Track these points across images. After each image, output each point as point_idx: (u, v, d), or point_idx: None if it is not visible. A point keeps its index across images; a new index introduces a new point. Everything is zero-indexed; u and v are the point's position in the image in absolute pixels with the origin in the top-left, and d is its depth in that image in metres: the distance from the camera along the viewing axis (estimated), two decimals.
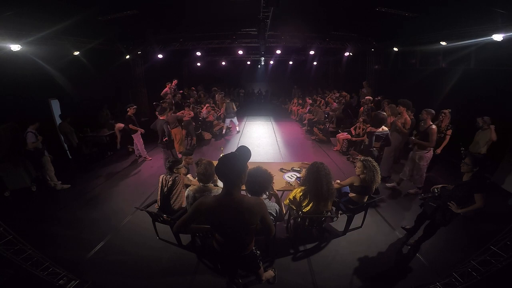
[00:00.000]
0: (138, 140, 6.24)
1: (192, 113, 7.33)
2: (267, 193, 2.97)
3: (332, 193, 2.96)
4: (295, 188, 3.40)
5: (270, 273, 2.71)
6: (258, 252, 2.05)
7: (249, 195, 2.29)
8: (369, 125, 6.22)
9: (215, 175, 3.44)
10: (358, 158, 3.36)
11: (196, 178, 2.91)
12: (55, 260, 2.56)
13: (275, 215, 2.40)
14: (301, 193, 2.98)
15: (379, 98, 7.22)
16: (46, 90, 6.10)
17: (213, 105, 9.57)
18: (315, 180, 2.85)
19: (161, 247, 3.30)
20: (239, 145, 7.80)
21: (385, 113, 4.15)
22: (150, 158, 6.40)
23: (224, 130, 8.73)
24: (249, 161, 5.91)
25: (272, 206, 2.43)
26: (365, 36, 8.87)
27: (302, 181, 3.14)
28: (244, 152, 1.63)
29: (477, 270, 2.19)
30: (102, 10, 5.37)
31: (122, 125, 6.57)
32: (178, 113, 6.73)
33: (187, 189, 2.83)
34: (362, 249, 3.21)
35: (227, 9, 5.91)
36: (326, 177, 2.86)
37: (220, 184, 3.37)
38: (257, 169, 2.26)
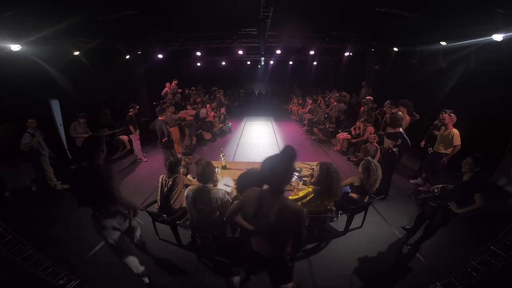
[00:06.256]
0: (135, 141, 6.24)
1: (193, 112, 7.33)
2: None
3: (340, 193, 2.99)
4: (295, 187, 3.40)
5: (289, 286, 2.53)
6: (291, 264, 2.01)
7: (240, 195, 2.28)
8: (370, 125, 6.23)
9: (215, 175, 3.42)
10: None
11: (196, 178, 2.92)
12: (55, 260, 2.56)
13: None
14: (313, 194, 2.94)
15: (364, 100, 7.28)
16: (46, 90, 6.09)
17: (214, 105, 9.54)
18: (331, 180, 2.85)
19: (161, 247, 3.30)
20: (239, 145, 7.74)
21: (400, 113, 4.22)
22: (145, 160, 6.36)
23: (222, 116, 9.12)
24: (249, 161, 5.95)
25: None
26: (365, 36, 8.86)
27: (316, 182, 3.02)
28: (288, 152, 1.61)
29: (477, 270, 2.19)
30: (102, 10, 5.37)
31: (126, 137, 6.59)
32: (180, 114, 6.73)
33: (187, 189, 2.84)
34: (362, 249, 3.21)
35: (227, 9, 5.91)
36: (337, 176, 2.89)
37: (221, 186, 3.37)
38: (251, 171, 2.27)
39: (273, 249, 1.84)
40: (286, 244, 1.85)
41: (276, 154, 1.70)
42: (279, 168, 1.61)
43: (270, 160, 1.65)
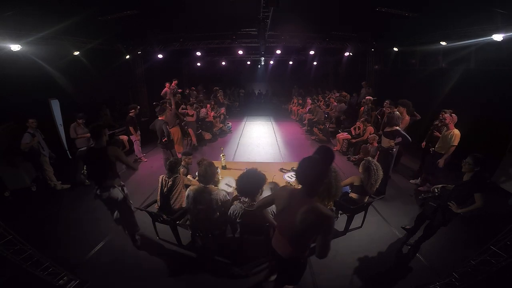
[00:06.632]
0: (135, 141, 6.23)
1: (194, 112, 7.33)
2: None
3: (340, 193, 2.98)
4: (294, 187, 3.40)
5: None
6: (304, 268, 1.96)
7: (239, 195, 2.25)
8: (369, 125, 6.23)
9: (217, 176, 3.42)
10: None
11: (196, 179, 2.92)
12: (55, 260, 2.56)
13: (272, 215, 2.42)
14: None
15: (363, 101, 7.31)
16: (46, 90, 6.08)
17: (214, 105, 9.54)
18: (330, 180, 2.84)
19: (161, 247, 3.31)
20: (239, 145, 7.71)
21: (397, 112, 4.28)
22: (145, 160, 6.36)
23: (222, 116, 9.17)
24: (249, 161, 5.93)
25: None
26: (365, 36, 8.86)
27: None
28: (325, 154, 1.56)
29: (477, 270, 2.19)
30: (102, 10, 5.37)
31: (126, 137, 6.57)
32: (172, 104, 6.64)
33: (188, 189, 2.84)
34: (362, 249, 3.21)
35: (227, 9, 5.91)
36: (336, 176, 2.88)
37: (223, 186, 3.37)
38: (251, 171, 2.26)
39: (291, 250, 1.80)
40: (306, 247, 1.82)
41: (313, 155, 1.68)
42: (314, 170, 1.58)
43: (306, 161, 1.63)
